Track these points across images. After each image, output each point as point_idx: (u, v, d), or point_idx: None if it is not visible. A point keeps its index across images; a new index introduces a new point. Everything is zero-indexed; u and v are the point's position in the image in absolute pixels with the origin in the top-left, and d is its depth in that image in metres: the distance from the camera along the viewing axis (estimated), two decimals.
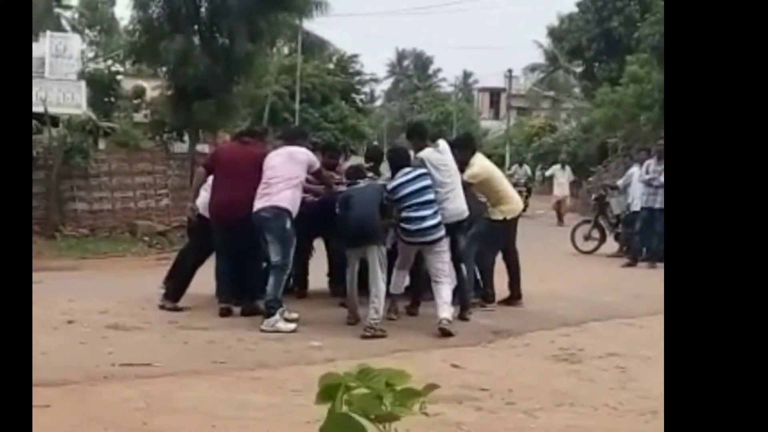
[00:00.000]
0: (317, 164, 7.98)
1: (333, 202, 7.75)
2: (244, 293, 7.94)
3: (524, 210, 10.43)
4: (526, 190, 22.32)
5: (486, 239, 8.63)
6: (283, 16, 20.38)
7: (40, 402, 4.49)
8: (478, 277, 8.78)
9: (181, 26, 18.48)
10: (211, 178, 8.05)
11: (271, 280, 7.39)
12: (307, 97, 34.15)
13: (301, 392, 5.05)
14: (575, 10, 34.04)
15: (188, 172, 16.92)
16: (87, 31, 43.66)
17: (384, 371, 1.96)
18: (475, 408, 5.13)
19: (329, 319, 7.85)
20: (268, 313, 7.34)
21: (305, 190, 7.87)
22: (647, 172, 12.75)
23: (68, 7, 41.28)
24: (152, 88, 23.95)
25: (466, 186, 8.20)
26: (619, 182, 14.73)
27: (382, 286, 7.35)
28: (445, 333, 7.22)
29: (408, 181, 7.47)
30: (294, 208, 7.54)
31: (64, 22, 38.66)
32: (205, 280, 8.20)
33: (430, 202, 7.46)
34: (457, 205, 7.86)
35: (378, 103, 68.44)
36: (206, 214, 7.98)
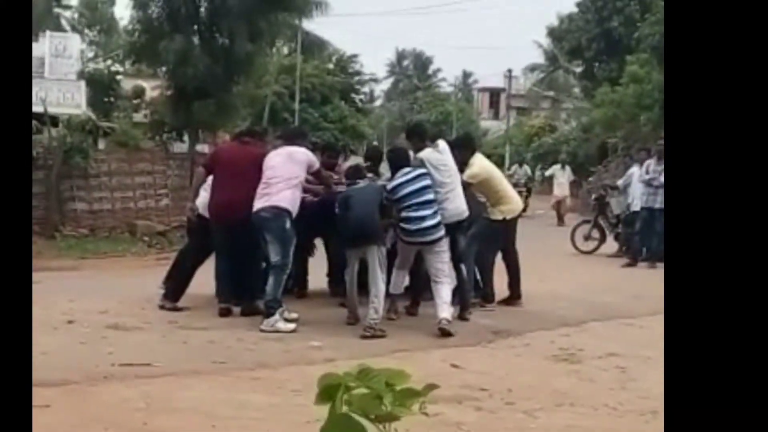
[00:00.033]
0: (317, 164, 7.98)
1: (332, 202, 7.75)
2: (244, 293, 7.94)
3: (524, 210, 10.43)
4: (526, 190, 22.30)
5: (486, 239, 8.63)
6: (283, 16, 20.36)
7: (40, 402, 4.49)
8: (478, 277, 8.78)
9: (180, 26, 18.46)
10: (210, 178, 8.05)
11: (270, 280, 7.39)
12: (306, 97, 34.15)
13: (301, 392, 5.04)
14: (575, 10, 34.03)
15: (188, 172, 16.91)
16: (87, 31, 43.68)
17: (384, 371, 1.96)
18: (474, 408, 5.13)
19: (329, 319, 7.85)
20: (268, 313, 7.34)
21: (305, 191, 7.87)
22: (647, 172, 12.75)
23: (68, 7, 41.32)
24: (152, 88, 23.94)
25: (466, 186, 8.20)
26: (619, 182, 14.73)
27: (382, 286, 7.35)
28: (444, 333, 7.22)
29: (408, 181, 7.47)
30: (294, 208, 7.54)
31: (63, 22, 38.65)
32: (204, 280, 8.20)
33: (430, 202, 7.46)
34: (457, 205, 7.86)
35: (378, 103, 68.51)
36: (206, 214, 7.98)
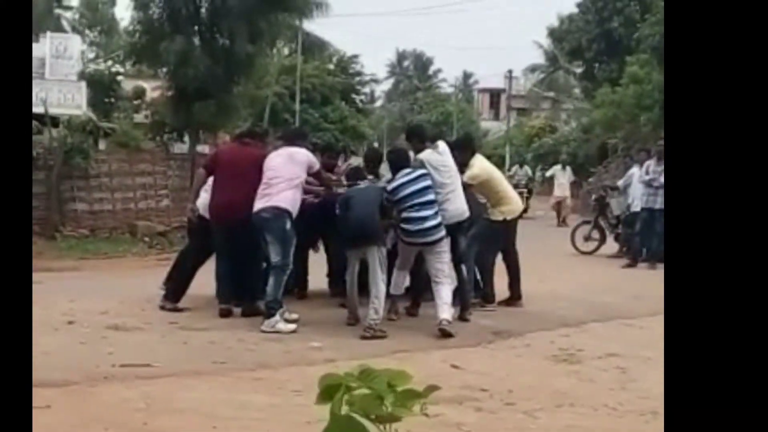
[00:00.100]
0: (317, 165, 7.99)
1: (333, 203, 7.76)
2: (245, 294, 7.94)
3: (525, 211, 10.43)
4: (527, 191, 22.32)
5: (486, 240, 8.63)
6: (283, 16, 20.35)
7: (41, 402, 4.50)
8: (478, 277, 8.78)
9: (181, 27, 18.46)
10: (211, 179, 8.06)
11: (271, 281, 7.39)
12: (307, 98, 34.12)
13: (302, 393, 5.05)
14: (575, 10, 34.06)
15: (188, 172, 16.92)
16: (87, 31, 43.66)
17: (385, 372, 1.96)
18: (475, 408, 5.13)
19: (329, 320, 7.85)
20: (269, 314, 7.34)
21: (305, 191, 7.88)
22: (647, 173, 12.75)
23: (69, 8, 41.28)
24: (152, 89, 23.92)
25: (466, 187, 8.20)
26: (619, 183, 14.74)
27: (382, 287, 7.35)
28: (445, 334, 7.22)
29: (409, 182, 7.47)
30: (294, 208, 7.55)
31: (64, 23, 38.62)
32: (205, 280, 8.20)
33: (430, 203, 7.46)
34: (458, 206, 7.86)
35: (378, 103, 68.39)
36: (206, 214, 7.98)
